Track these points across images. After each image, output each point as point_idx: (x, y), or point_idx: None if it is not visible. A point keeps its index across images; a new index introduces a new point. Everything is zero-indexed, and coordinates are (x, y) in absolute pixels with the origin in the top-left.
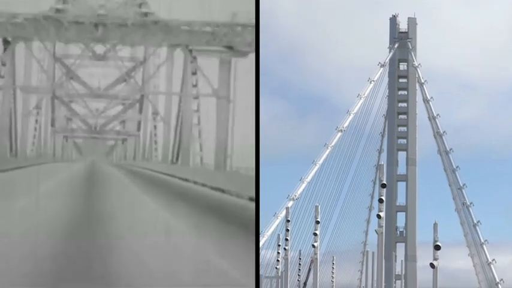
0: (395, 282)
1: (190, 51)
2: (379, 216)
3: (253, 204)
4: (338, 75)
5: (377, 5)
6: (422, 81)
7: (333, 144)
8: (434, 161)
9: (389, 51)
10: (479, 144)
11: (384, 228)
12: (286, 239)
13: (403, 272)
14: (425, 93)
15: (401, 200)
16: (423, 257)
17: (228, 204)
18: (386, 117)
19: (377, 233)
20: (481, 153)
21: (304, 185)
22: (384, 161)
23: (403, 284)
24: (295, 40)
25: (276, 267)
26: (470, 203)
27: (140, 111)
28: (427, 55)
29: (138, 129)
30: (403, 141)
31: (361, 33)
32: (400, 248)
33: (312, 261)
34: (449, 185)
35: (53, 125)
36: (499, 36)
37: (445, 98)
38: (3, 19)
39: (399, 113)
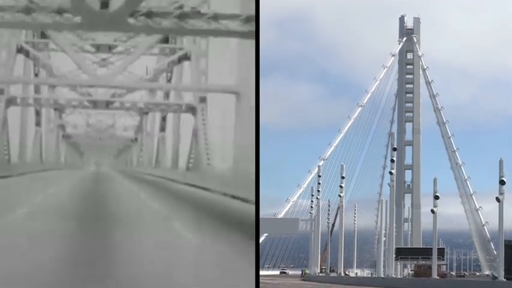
0: (403, 225)
1: None
2: (391, 173)
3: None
4: (360, 63)
5: (388, 8)
6: (425, 67)
7: (354, 116)
8: (434, 130)
9: (399, 44)
10: (469, 117)
11: (394, 182)
12: (318, 190)
13: (410, 217)
14: (427, 77)
15: (408, 160)
16: (425, 205)
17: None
18: (396, 96)
19: (389, 186)
20: (470, 125)
21: (332, 149)
22: (394, 129)
23: (410, 226)
24: (330, 38)
25: (310, 212)
26: (462, 163)
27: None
28: (428, 47)
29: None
30: (410, 114)
31: (377, 30)
32: (408, 198)
33: (338, 208)
34: (446, 149)
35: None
36: (488, 34)
37: (443, 81)
38: None
39: (407, 92)
